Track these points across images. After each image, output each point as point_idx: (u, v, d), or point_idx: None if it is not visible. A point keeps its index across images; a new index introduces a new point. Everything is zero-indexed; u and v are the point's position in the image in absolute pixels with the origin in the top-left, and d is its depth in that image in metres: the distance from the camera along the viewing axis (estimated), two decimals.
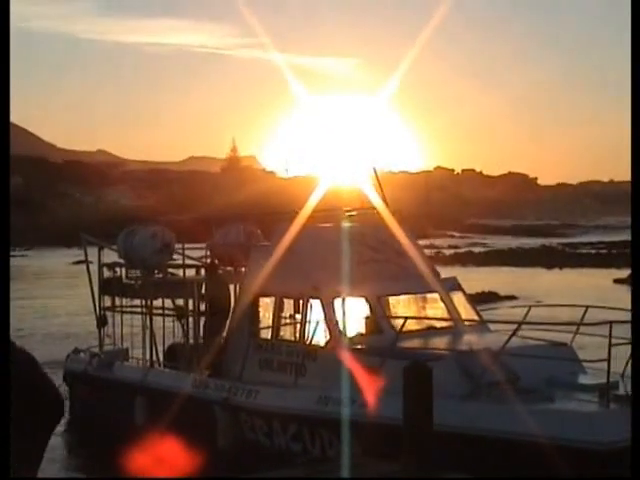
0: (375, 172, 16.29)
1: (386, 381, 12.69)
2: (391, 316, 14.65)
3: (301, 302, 14.82)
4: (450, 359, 12.85)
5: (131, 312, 18.49)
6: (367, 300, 14.74)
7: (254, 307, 15.66)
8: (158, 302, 18.12)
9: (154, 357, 18.00)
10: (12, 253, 57.45)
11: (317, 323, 14.53)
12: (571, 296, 38.19)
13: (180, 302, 17.99)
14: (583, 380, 12.98)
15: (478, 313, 15.66)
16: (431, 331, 14.64)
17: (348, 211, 16.50)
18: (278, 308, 15.24)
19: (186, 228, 19.47)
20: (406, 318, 14.05)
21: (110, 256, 19.13)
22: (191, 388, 15.72)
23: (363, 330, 14.67)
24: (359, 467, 12.31)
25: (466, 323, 15.06)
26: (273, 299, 15.38)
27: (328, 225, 16.19)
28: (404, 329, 13.71)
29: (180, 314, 17.82)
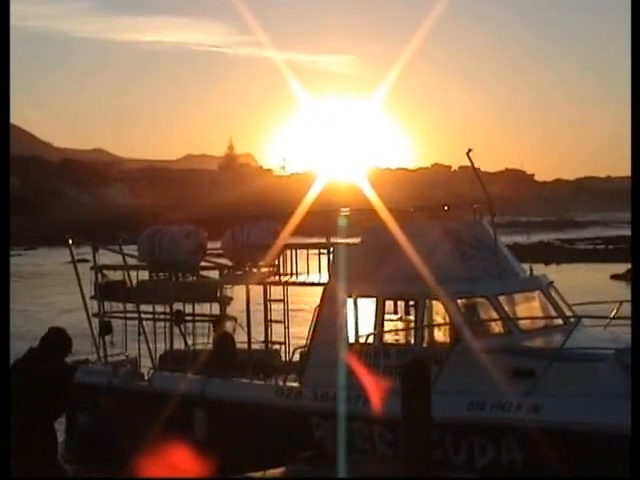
0: (469, 157, 14.95)
1: (554, 384, 12.17)
2: (516, 317, 13.98)
3: (417, 303, 14.04)
4: (613, 358, 12.24)
5: (141, 318, 17.17)
6: (487, 299, 13.94)
7: (346, 310, 14.61)
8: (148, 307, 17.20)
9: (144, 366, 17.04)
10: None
11: (438, 324, 13.91)
12: (570, 292, 38.08)
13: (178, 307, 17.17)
14: None
15: (572, 309, 15.03)
16: (549, 330, 14.04)
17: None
18: (381, 310, 14.34)
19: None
20: (526, 318, 13.73)
21: (106, 257, 18.38)
22: (276, 398, 14.72)
23: (487, 330, 13.89)
24: (359, 463, 12.30)
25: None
26: (373, 301, 14.45)
27: (425, 222, 15.35)
28: (523, 328, 13.47)
29: (179, 319, 17.12)
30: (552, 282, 15.22)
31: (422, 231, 14.72)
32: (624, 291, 34.19)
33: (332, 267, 15.30)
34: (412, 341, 14.12)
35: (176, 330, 17.49)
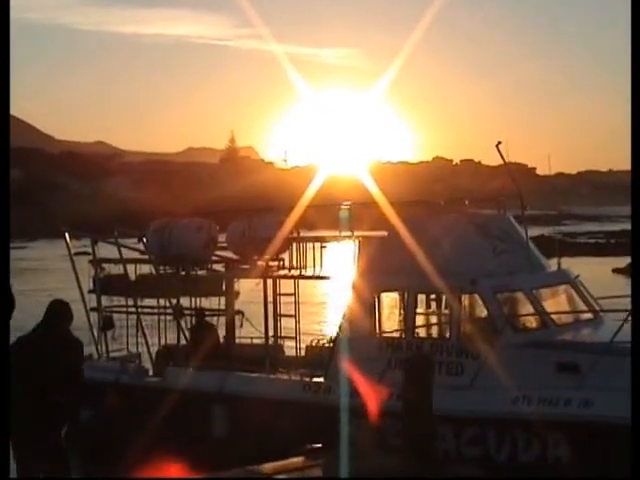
0: (499, 149, 14.63)
1: (603, 379, 11.96)
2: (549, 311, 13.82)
3: (452, 297, 13.82)
4: None
5: (140, 312, 17.09)
6: (524, 293, 13.80)
7: (375, 304, 14.45)
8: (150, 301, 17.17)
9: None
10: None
11: (476, 318, 13.80)
12: None
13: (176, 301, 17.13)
14: None
15: (598, 303, 14.86)
16: (580, 323, 13.97)
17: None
18: (412, 304, 14.17)
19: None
20: (560, 313, 13.70)
21: (106, 249, 18.13)
22: (303, 394, 14.42)
23: (525, 324, 13.79)
24: (363, 456, 12.25)
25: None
26: (402, 295, 14.32)
27: (455, 215, 15.10)
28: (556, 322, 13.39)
29: (179, 314, 16.88)
30: (578, 276, 15.08)
31: (453, 224, 14.51)
32: (626, 285, 34.13)
33: (359, 261, 15.01)
34: (447, 335, 13.97)
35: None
